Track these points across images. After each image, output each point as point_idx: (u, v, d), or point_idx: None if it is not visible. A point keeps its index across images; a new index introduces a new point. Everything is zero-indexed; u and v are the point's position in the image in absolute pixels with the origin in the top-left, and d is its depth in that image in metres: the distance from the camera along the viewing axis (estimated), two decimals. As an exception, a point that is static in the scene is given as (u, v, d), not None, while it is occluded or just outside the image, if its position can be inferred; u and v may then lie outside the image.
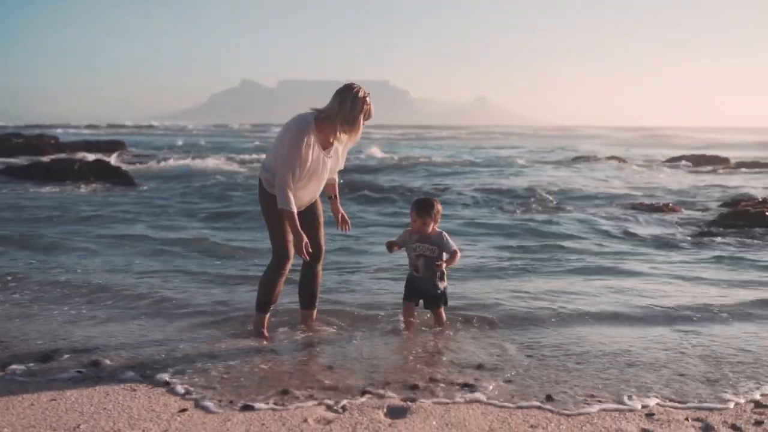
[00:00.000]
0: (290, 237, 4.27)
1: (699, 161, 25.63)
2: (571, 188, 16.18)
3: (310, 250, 4.24)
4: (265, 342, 4.40)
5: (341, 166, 4.56)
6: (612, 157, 27.36)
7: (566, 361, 4.12)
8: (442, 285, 4.64)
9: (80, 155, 22.95)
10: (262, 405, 3.36)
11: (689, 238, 9.49)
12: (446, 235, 4.56)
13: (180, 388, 3.57)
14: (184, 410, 3.29)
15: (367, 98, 4.16)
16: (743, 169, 22.94)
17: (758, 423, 3.24)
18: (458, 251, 4.56)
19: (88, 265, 6.82)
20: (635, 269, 7.05)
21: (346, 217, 4.73)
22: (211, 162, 22.56)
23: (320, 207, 4.58)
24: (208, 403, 3.37)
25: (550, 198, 14.22)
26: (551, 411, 3.36)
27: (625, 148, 39.44)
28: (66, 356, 4.09)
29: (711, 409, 3.41)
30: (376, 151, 29.47)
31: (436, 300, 4.68)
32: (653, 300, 5.67)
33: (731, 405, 3.47)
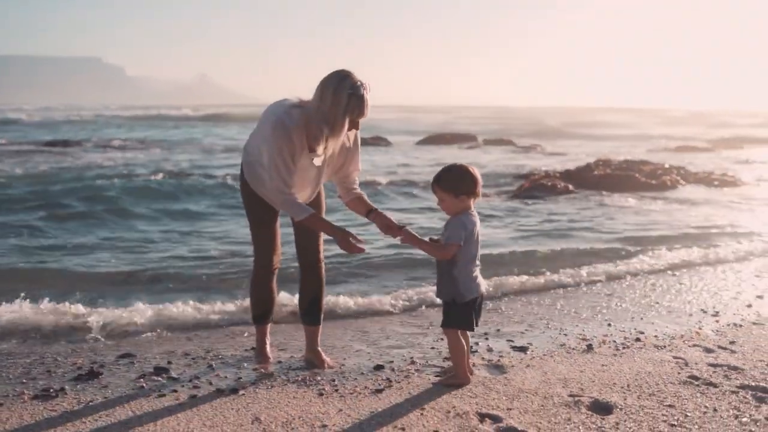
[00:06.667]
0: (263, 239, 3.68)
1: (449, 140, 28.58)
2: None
3: (362, 245, 3.39)
4: (262, 369, 3.72)
5: (351, 172, 3.66)
6: (376, 138, 28.80)
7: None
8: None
9: None
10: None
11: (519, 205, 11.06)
12: (462, 220, 3.32)
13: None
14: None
15: (362, 91, 3.24)
16: (491, 146, 26.22)
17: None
18: (451, 247, 3.29)
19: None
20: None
21: (394, 223, 3.55)
22: None
23: (322, 201, 3.79)
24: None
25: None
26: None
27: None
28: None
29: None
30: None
31: (444, 311, 3.44)
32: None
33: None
